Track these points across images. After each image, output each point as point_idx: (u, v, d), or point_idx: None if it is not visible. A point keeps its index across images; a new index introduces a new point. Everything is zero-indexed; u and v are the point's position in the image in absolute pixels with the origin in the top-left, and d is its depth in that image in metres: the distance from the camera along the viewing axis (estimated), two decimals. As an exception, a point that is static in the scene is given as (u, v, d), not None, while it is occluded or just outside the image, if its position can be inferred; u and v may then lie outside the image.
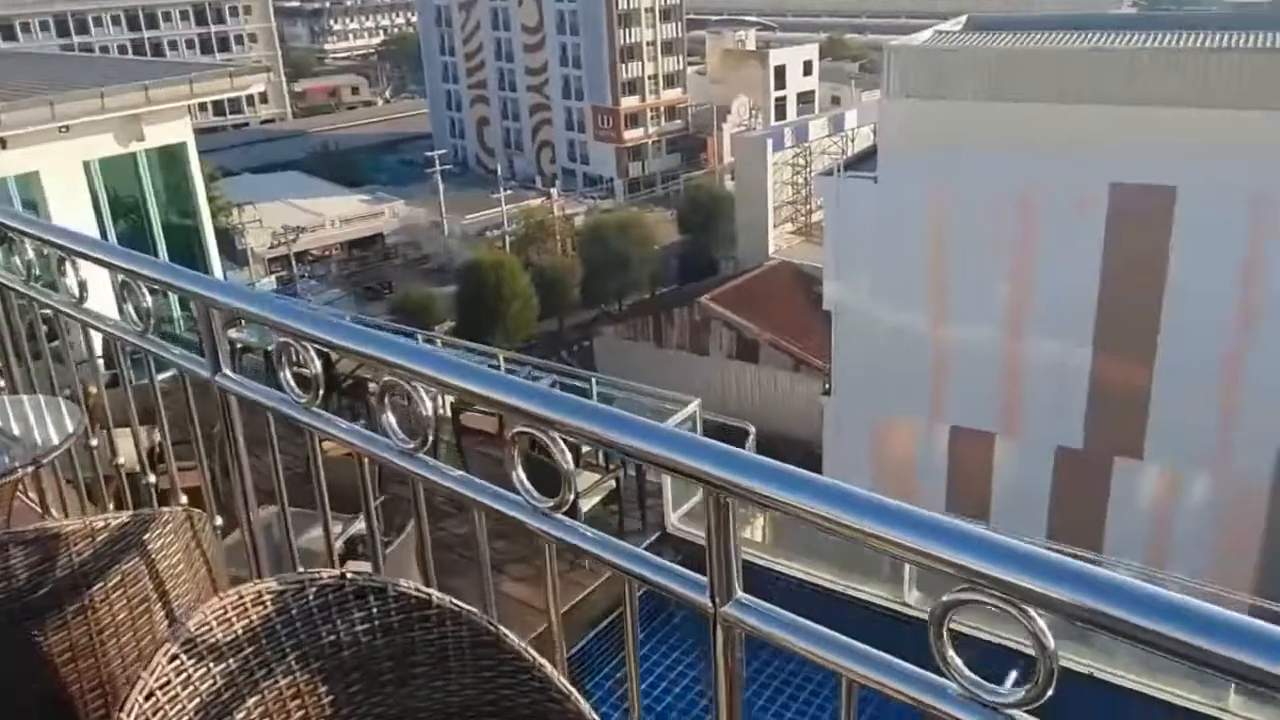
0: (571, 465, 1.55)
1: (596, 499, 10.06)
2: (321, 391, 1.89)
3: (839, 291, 22.55)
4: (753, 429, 10.49)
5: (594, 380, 12.02)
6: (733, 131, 64.95)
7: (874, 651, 1.34)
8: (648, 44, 69.54)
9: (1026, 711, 1.21)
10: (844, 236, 22.33)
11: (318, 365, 1.85)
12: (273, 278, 50.73)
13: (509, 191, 58.14)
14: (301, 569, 2.27)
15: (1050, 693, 1.18)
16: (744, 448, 7.78)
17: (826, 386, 24.13)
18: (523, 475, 1.62)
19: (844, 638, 1.36)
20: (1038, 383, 20.08)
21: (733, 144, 62.04)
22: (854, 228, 21.80)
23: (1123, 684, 7.15)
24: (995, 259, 19.96)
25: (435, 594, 1.57)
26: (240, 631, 1.35)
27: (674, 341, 40.70)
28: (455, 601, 1.58)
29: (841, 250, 22.48)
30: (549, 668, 1.54)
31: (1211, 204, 17.41)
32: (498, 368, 12.74)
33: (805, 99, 69.98)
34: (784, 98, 69.28)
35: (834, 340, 23.11)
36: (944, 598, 1.22)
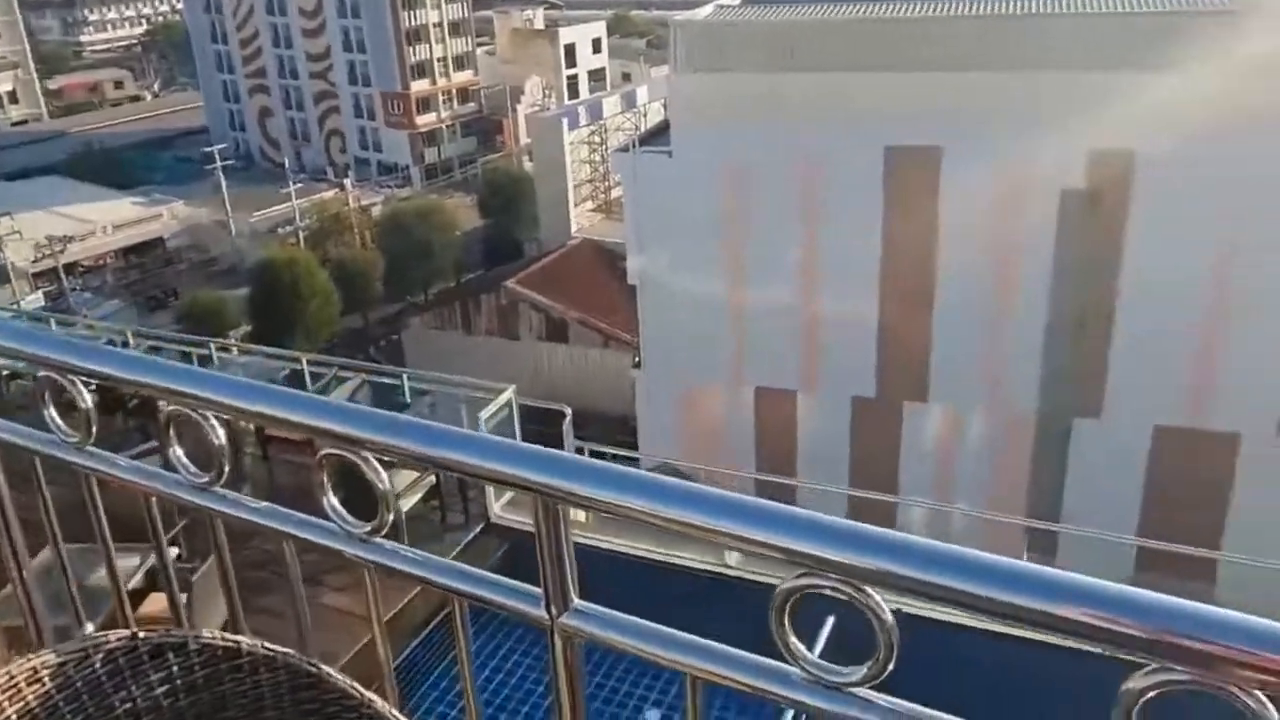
0: (388, 485, 1.45)
1: (417, 496, 9.81)
2: (95, 428, 1.70)
3: (642, 265, 22.84)
4: (569, 410, 10.50)
5: (404, 376, 11.70)
6: (527, 112, 64.49)
7: (716, 646, 1.31)
8: (434, 25, 67.90)
9: (870, 687, 1.22)
10: (643, 211, 22.59)
11: (88, 400, 1.66)
12: (40, 294, 46.62)
13: (299, 185, 55.64)
14: (89, 621, 2.06)
15: (892, 666, 1.19)
16: (561, 429, 7.72)
17: (636, 360, 24.46)
18: (335, 501, 1.51)
19: (686, 635, 1.33)
20: (832, 339, 21.02)
21: (528, 124, 61.59)
22: (652, 202, 22.09)
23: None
24: (786, 224, 20.68)
25: (245, 641, 1.44)
26: (14, 719, 1.18)
27: (483, 328, 40.21)
28: (268, 645, 1.45)
29: (641, 225, 22.75)
30: (379, 703, 1.44)
31: (973, 161, 18.62)
32: (301, 372, 12.19)
33: (596, 77, 70.26)
34: (575, 76, 69.31)
35: (640, 314, 23.42)
36: (783, 585, 1.21)
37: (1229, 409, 18.11)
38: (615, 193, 48.84)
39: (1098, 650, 1.09)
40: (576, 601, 1.38)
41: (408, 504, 9.48)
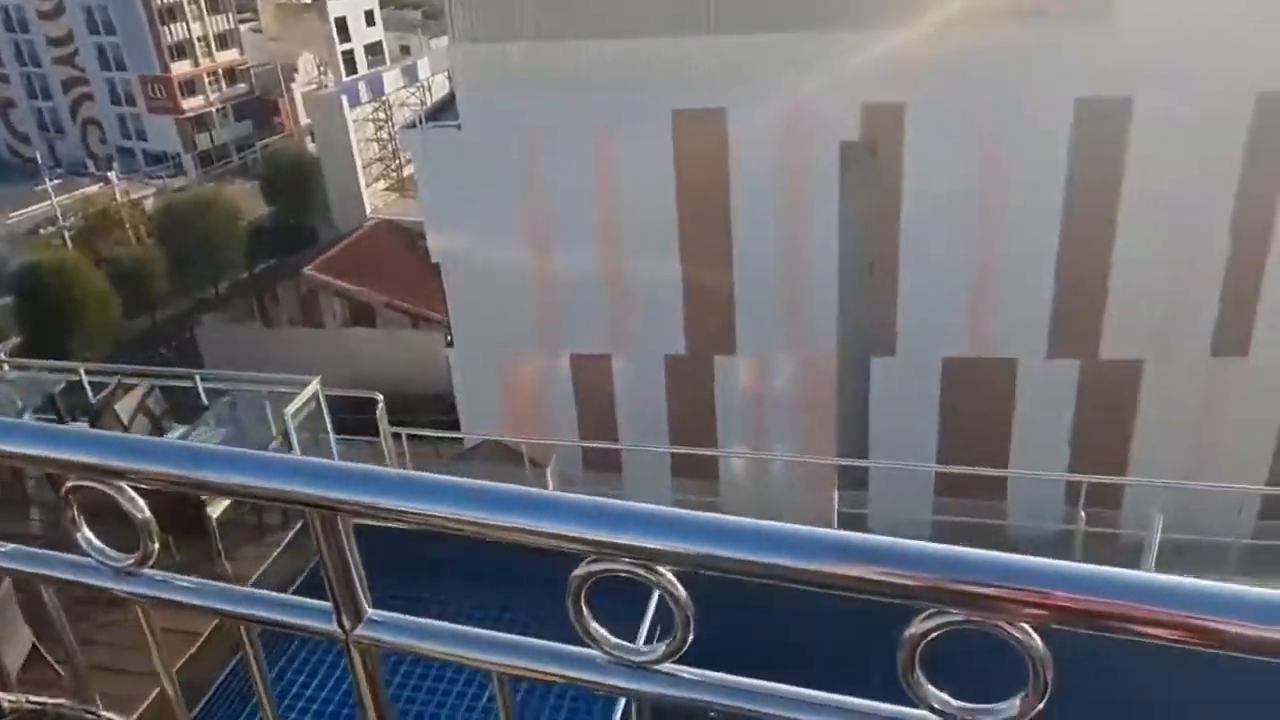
0: (147, 513, 1.34)
1: (226, 501, 9.30)
2: None
3: (443, 243, 22.39)
4: (380, 397, 10.20)
5: (198, 378, 11.03)
6: (304, 91, 61.74)
7: (519, 640, 1.29)
8: (189, 2, 63.71)
9: (674, 661, 1.22)
10: (438, 187, 22.10)
11: None
12: None
13: (57, 180, 51.32)
14: None
15: (691, 638, 1.20)
16: (375, 415, 7.52)
17: (448, 338, 24.03)
18: (89, 534, 1.38)
19: (488, 632, 1.30)
20: (640, 301, 21.31)
21: (306, 104, 59.03)
22: (446, 177, 21.64)
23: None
24: (584, 191, 20.73)
25: (5, 698, 1.30)
26: None
27: (284, 319, 38.53)
28: (35, 700, 1.33)
29: (438, 201, 22.27)
30: (167, 746, 1.34)
31: (756, 120, 19.20)
32: (79, 383, 11.31)
33: (374, 50, 67.85)
34: (351, 51, 66.71)
35: (447, 291, 22.99)
36: (576, 571, 1.20)
37: (1005, 336, 19.56)
38: (409, 170, 47.57)
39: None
40: (371, 612, 1.33)
41: (216, 510, 9.00)
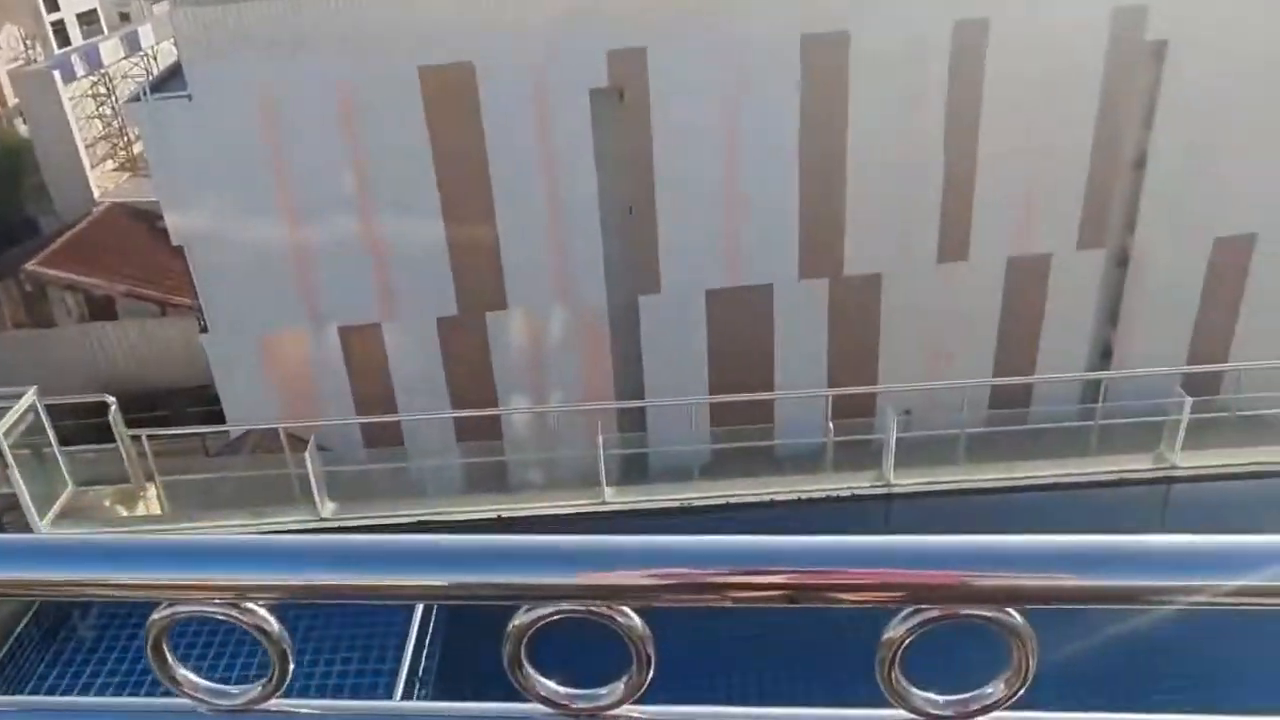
0: None
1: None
2: None
3: (183, 222, 20.86)
4: (112, 399, 9.43)
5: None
6: (9, 68, 55.67)
7: (111, 701, 1.17)
8: None
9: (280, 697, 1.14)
10: (172, 164, 20.53)
11: None
12: None
13: None
14: None
15: (291, 675, 1.11)
16: (107, 419, 6.95)
17: (203, 324, 22.55)
18: None
19: (51, 700, 1.17)
20: (405, 265, 20.74)
21: (13, 83, 53.22)
22: (181, 152, 20.15)
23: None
24: (334, 155, 19.84)
25: None
26: None
27: (7, 321, 34.98)
28: None
29: (173, 179, 20.69)
30: None
31: (505, 73, 18.91)
32: None
33: (88, 19, 61.90)
34: (62, 20, 60.61)
35: (194, 275, 21.52)
36: (152, 617, 1.08)
37: (759, 265, 20.39)
38: (139, 147, 43.97)
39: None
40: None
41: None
